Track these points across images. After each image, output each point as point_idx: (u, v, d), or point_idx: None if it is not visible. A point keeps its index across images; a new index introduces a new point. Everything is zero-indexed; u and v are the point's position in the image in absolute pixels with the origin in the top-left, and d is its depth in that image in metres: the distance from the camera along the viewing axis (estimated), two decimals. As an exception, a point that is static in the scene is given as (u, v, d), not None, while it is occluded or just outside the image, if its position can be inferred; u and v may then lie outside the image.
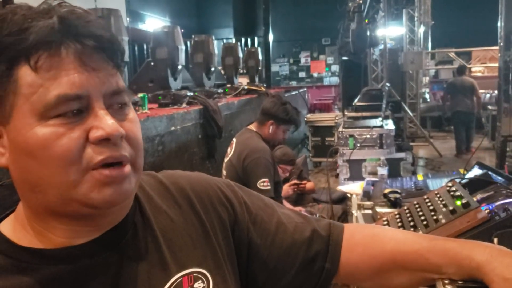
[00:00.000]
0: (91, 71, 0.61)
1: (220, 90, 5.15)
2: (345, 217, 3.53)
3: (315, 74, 17.97)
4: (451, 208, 1.36)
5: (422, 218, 1.42)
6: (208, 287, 0.74)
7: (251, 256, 0.83)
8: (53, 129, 0.60)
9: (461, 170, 2.08)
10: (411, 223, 1.45)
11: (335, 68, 16.77)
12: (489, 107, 8.74)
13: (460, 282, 0.71)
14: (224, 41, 9.54)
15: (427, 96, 12.33)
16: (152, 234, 0.74)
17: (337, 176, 4.63)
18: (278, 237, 0.84)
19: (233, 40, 9.00)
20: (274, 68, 16.74)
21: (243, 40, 9.93)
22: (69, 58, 0.60)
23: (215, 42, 5.83)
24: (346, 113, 6.22)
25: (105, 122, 0.61)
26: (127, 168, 0.64)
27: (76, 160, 0.61)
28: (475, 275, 0.70)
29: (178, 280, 0.72)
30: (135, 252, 0.71)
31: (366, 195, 2.29)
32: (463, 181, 1.62)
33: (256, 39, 10.12)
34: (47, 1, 0.64)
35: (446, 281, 0.72)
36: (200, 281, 0.74)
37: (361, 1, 6.68)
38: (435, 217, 1.37)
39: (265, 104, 3.21)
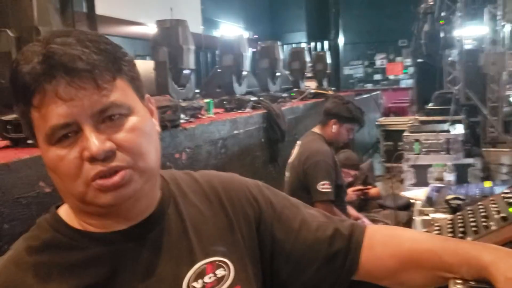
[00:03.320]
0: (72, 100, 0.69)
1: (284, 95, 5.21)
2: (410, 224, 3.42)
3: (391, 77, 17.49)
4: (503, 215, 1.30)
5: (473, 224, 1.38)
6: (229, 274, 0.82)
7: (275, 250, 0.90)
8: (56, 151, 0.71)
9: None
10: (461, 229, 1.40)
11: (413, 70, 16.22)
12: None
13: (471, 283, 0.74)
14: (293, 45, 9.56)
15: (512, 99, 11.56)
16: (183, 225, 0.84)
17: (402, 181, 4.51)
18: (301, 234, 0.90)
19: (303, 45, 9.01)
20: (347, 71, 16.51)
21: (313, 44, 9.90)
22: (52, 93, 0.69)
23: (285, 46, 5.89)
24: (417, 117, 6.01)
25: (89, 143, 0.70)
26: (120, 176, 0.72)
27: (77, 175, 0.71)
28: (483, 275, 0.73)
29: (203, 266, 0.81)
30: (167, 239, 0.81)
31: (428, 201, 2.24)
32: (522, 188, 1.53)
33: (327, 42, 10.05)
34: (45, 36, 0.72)
35: (458, 281, 0.75)
36: (222, 269, 0.83)
37: (432, 2, 6.44)
38: (485, 224, 1.33)
39: (327, 105, 3.22)
